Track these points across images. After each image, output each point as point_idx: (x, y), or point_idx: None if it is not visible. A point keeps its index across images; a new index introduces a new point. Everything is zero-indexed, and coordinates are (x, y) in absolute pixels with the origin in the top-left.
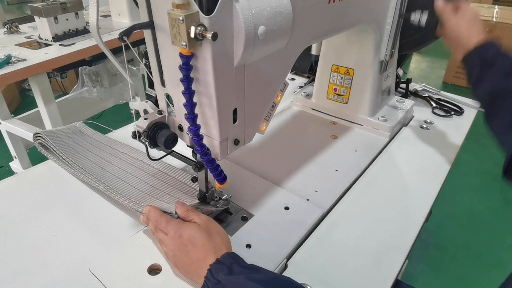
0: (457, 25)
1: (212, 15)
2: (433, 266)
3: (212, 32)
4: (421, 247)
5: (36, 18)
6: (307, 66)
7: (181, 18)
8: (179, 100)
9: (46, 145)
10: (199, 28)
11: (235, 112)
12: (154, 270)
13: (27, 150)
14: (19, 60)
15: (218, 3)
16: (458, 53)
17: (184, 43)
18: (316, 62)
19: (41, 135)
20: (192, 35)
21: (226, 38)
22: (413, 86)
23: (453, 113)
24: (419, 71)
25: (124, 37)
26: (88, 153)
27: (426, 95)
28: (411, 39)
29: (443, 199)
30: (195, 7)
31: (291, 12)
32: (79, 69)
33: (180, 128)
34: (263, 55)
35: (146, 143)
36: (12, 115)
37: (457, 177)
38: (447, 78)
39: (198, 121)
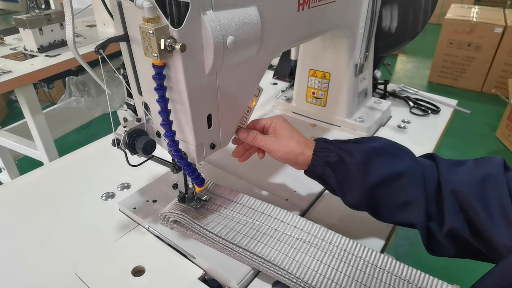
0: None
1: (180, 28)
2: (420, 264)
3: (181, 44)
4: (409, 244)
5: (20, 30)
6: (287, 70)
7: (151, 32)
8: (156, 107)
9: (181, 220)
10: (168, 40)
11: (209, 117)
12: (138, 272)
13: (16, 161)
14: (4, 72)
15: (186, 16)
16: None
17: (155, 55)
18: (295, 66)
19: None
20: (162, 47)
21: (196, 48)
22: (392, 87)
23: (430, 112)
24: (405, 71)
25: (100, 50)
26: (230, 222)
27: (405, 95)
28: (386, 41)
29: None
30: (165, 21)
31: (259, 22)
32: (66, 79)
33: (158, 134)
34: (234, 63)
35: (126, 150)
36: (0, 126)
37: None
38: (432, 78)
39: (174, 127)
